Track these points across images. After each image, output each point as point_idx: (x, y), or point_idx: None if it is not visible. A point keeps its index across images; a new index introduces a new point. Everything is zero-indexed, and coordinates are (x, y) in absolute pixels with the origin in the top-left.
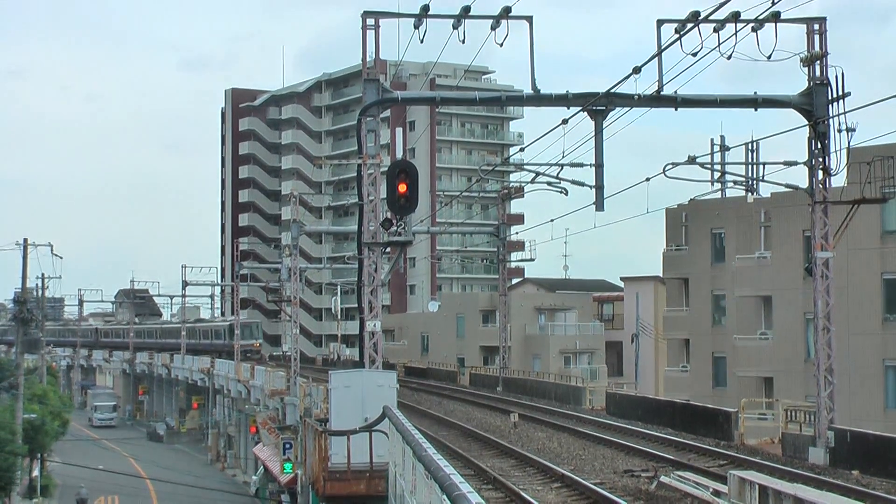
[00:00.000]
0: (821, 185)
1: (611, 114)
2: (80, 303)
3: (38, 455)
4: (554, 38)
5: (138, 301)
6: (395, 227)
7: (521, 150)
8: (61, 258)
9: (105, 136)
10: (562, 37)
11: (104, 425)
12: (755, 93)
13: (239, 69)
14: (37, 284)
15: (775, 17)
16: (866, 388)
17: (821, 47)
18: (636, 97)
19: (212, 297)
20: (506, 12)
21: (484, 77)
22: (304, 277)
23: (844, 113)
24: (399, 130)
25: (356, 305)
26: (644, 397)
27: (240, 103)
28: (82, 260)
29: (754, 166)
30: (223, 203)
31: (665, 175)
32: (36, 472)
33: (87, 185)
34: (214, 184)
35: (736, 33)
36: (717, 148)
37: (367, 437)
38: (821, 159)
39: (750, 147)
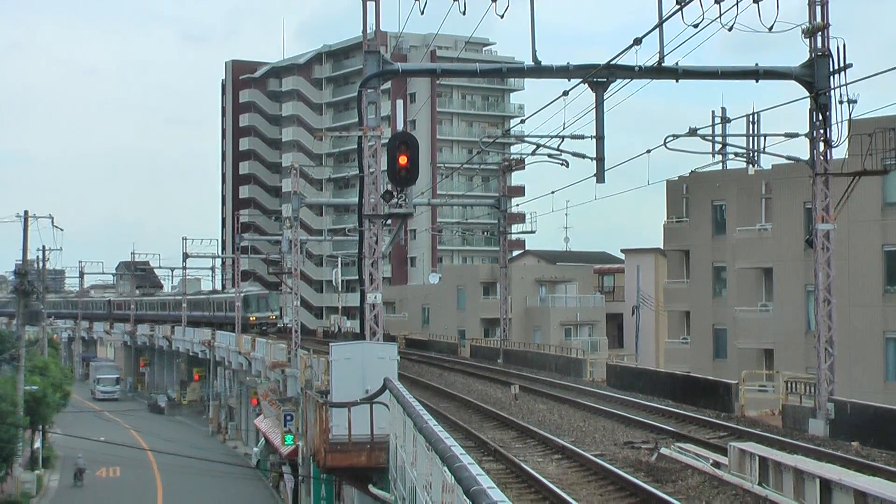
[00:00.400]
0: (822, 157)
1: (612, 86)
2: (81, 275)
3: (40, 427)
4: (555, 10)
5: (139, 273)
6: (396, 199)
7: (522, 122)
8: (62, 230)
9: (106, 109)
10: (563, 9)
11: (107, 398)
12: (756, 64)
13: (240, 42)
14: (38, 256)
15: None
16: (867, 360)
17: (822, 19)
18: (637, 69)
19: (212, 269)
20: None
21: (485, 49)
22: (304, 249)
23: (846, 85)
24: (400, 102)
25: (357, 277)
26: (644, 369)
27: (240, 75)
28: (83, 232)
29: (755, 138)
30: (224, 175)
31: (666, 147)
32: (38, 444)
33: (87, 157)
34: (215, 156)
35: (737, 4)
36: (718, 120)
37: (368, 408)
38: (822, 131)
39: (751, 119)
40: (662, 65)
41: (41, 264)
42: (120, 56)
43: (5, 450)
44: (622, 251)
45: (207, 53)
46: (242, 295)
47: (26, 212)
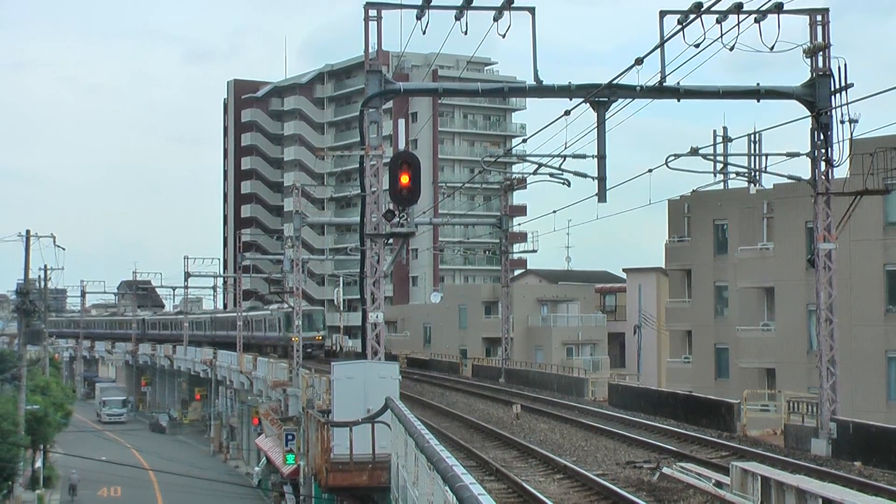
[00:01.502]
0: (823, 177)
1: (613, 105)
2: (83, 294)
3: (41, 446)
4: (557, 30)
5: (140, 292)
6: (398, 219)
7: (524, 141)
8: (63, 249)
9: (108, 127)
10: (564, 28)
11: (113, 421)
12: (758, 84)
13: (242, 61)
14: (39, 275)
15: (778, 8)
16: (869, 380)
17: (823, 38)
18: (638, 88)
19: (214, 288)
20: (508, 3)
21: (486, 68)
22: (306, 268)
23: (847, 104)
24: (401, 121)
25: (358, 297)
26: (646, 388)
27: (242, 94)
28: (85, 251)
29: (757, 157)
30: (225, 194)
31: (667, 166)
32: (39, 464)
33: (89, 176)
34: (217, 175)
35: (738, 24)
36: (719, 139)
37: (370, 428)
38: (823, 150)
39: (752, 138)
40: (664, 84)
41: (43, 283)
42: (123, 74)
43: (6, 469)
44: (624, 270)
45: (210, 72)
46: (284, 312)
47: (28, 231)
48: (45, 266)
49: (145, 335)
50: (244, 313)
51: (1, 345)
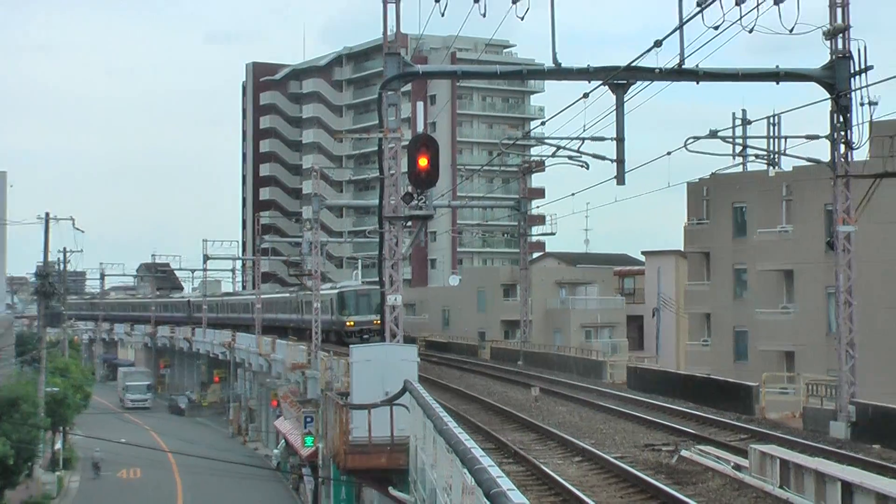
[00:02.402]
0: (843, 159)
1: (632, 88)
2: (102, 277)
3: (61, 428)
4: (575, 12)
5: (160, 275)
6: (416, 201)
7: (542, 123)
8: (83, 232)
9: (127, 109)
10: (583, 11)
11: (137, 407)
12: (777, 66)
13: (263, 43)
14: (58, 258)
15: None
16: (888, 363)
17: (843, 20)
18: (657, 71)
19: (233, 270)
20: None
21: (505, 51)
22: (324, 251)
23: (867, 86)
24: (420, 104)
25: (377, 279)
26: (665, 371)
27: (261, 77)
28: (104, 234)
29: (776, 140)
30: (244, 177)
31: (686, 149)
32: (58, 445)
33: (108, 158)
34: (236, 158)
35: (758, 6)
36: (738, 122)
37: (388, 410)
38: (843, 133)
39: (771, 121)
40: (683, 67)
41: (62, 266)
42: (146, 57)
43: (26, 451)
44: (643, 253)
45: (232, 55)
46: (337, 292)
47: (47, 213)
48: (65, 249)
49: (191, 318)
50: (292, 294)
51: (21, 327)
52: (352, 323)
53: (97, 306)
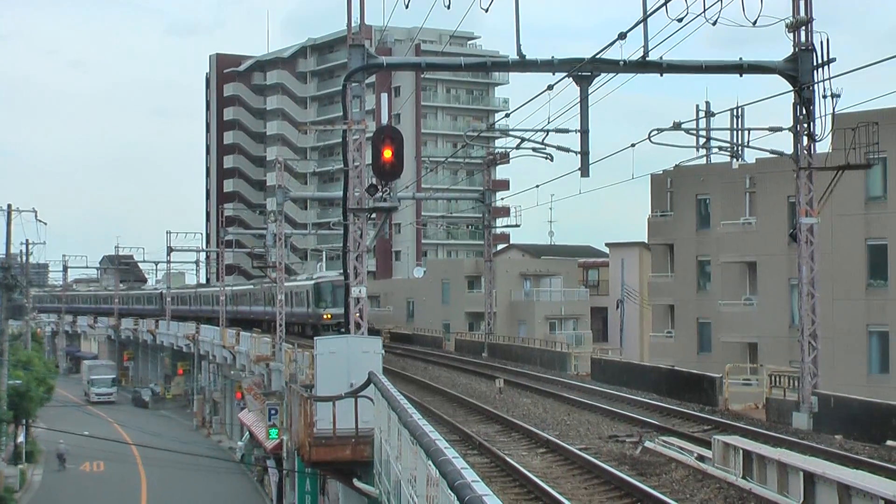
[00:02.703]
0: (806, 151)
1: (596, 80)
2: (65, 269)
3: (24, 421)
4: (540, 4)
5: (123, 267)
6: (381, 193)
7: (507, 116)
8: (45, 224)
9: (90, 101)
10: (548, 3)
11: (103, 401)
12: (740, 59)
13: (225, 34)
14: (21, 250)
15: None
16: (850, 354)
17: (806, 13)
18: (622, 63)
19: (196, 262)
20: None
21: (469, 43)
22: (289, 243)
23: (829, 79)
24: (384, 96)
25: (341, 271)
26: (629, 363)
27: (224, 69)
28: (67, 226)
29: (739, 132)
30: (208, 169)
31: (650, 141)
32: (21, 439)
33: (71, 150)
34: (199, 150)
35: None
36: (702, 114)
37: (353, 402)
38: (806, 125)
39: (735, 113)
40: (647, 59)
41: (25, 258)
42: (105, 48)
43: None
44: (607, 245)
45: (194, 46)
46: (313, 283)
47: (9, 205)
48: (27, 241)
49: (163, 310)
50: (264, 286)
51: None
52: (329, 316)
53: (62, 299)
